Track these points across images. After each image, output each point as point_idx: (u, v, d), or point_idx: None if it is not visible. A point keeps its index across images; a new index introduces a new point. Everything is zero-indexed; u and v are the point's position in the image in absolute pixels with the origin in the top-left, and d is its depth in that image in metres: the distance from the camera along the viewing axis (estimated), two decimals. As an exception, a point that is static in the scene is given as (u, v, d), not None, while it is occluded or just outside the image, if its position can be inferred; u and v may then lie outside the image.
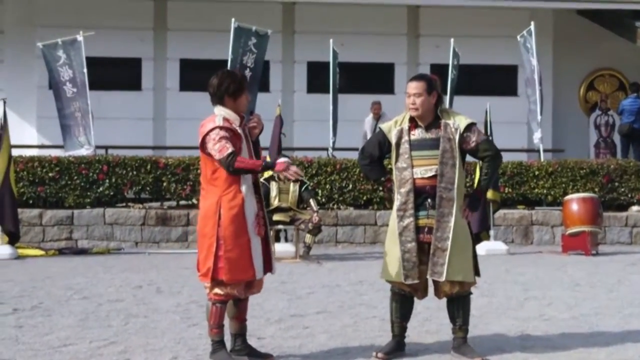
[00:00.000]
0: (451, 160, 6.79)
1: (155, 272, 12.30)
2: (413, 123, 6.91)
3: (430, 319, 8.36)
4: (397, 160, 6.89)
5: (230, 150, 6.37)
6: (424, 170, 6.81)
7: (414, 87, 6.87)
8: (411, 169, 6.82)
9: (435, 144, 6.81)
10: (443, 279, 6.73)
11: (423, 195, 6.80)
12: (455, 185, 6.78)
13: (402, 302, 6.98)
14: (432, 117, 6.89)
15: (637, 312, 8.94)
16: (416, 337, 7.54)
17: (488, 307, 9.19)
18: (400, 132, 6.91)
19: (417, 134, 6.89)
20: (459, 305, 6.91)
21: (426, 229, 6.80)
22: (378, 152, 7.03)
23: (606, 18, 21.48)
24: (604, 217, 15.81)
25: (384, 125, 7.08)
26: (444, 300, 6.99)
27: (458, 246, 6.75)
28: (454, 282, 6.79)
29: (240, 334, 6.78)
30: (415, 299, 7.05)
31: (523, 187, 17.33)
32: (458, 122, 6.84)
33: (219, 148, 6.40)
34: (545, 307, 9.28)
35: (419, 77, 7.02)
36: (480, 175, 7.06)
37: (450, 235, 6.73)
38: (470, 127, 6.85)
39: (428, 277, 6.83)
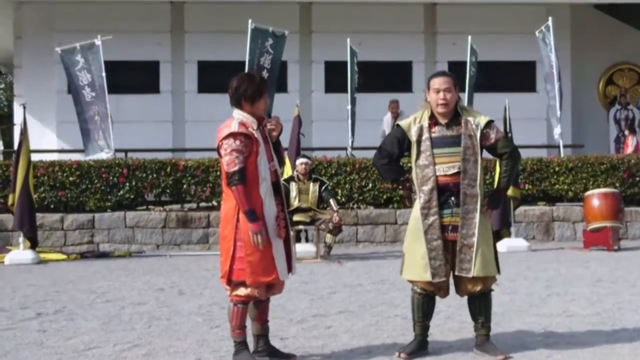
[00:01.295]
0: (473, 157, 6.77)
1: (177, 275, 12.33)
2: (433, 120, 6.87)
3: (452, 317, 8.34)
4: (417, 158, 6.84)
5: (237, 167, 6.38)
6: (446, 167, 6.78)
7: (444, 82, 6.81)
8: (433, 167, 6.78)
9: (457, 141, 6.78)
10: (471, 274, 6.71)
11: (446, 193, 6.77)
12: (478, 182, 6.77)
13: (424, 302, 6.94)
14: (452, 114, 6.86)
15: (661, 307, 8.90)
16: (439, 335, 7.52)
17: (510, 305, 9.17)
18: (421, 129, 6.86)
19: (438, 131, 6.84)
20: (480, 303, 6.89)
21: (450, 227, 6.77)
22: (397, 150, 6.95)
23: (623, 11, 21.39)
24: (625, 212, 15.74)
25: (403, 123, 7.00)
26: (465, 298, 6.98)
27: (484, 242, 6.75)
28: (477, 280, 6.77)
29: (262, 334, 6.79)
30: (437, 298, 7.03)
31: (543, 183, 17.28)
32: (478, 119, 6.83)
33: (227, 161, 6.43)
34: (567, 303, 9.25)
35: (444, 73, 6.98)
36: (500, 173, 7.02)
37: (477, 232, 6.72)
38: (489, 124, 6.85)
39: (456, 273, 6.79)
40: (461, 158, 6.75)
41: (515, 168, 7.06)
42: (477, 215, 6.73)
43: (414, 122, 6.91)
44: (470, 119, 6.83)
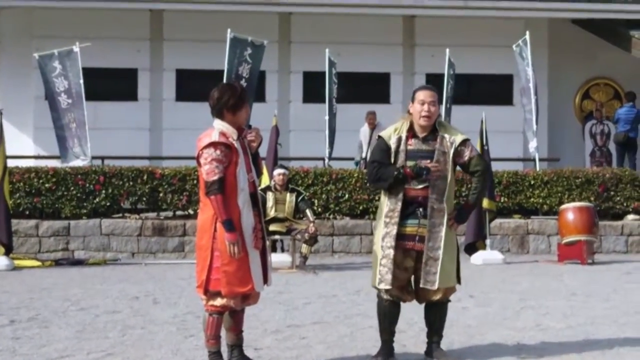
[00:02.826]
0: (443, 173, 6.90)
1: (152, 283, 12.31)
2: (410, 132, 6.97)
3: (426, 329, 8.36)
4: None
5: (216, 177, 6.42)
6: (415, 181, 6.89)
7: (430, 95, 6.95)
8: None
9: (430, 156, 6.90)
10: (436, 287, 6.89)
11: (414, 205, 6.90)
12: (446, 197, 6.91)
13: (389, 308, 7.07)
14: (430, 129, 6.97)
15: (633, 322, 8.96)
16: (412, 346, 7.56)
17: (484, 317, 9.22)
18: (399, 140, 6.99)
19: (414, 144, 6.98)
20: (438, 311, 7.10)
21: (417, 238, 6.90)
22: (387, 160, 7.02)
23: (601, 27, 21.53)
24: (599, 226, 15.83)
25: (384, 133, 7.13)
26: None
27: (448, 255, 6.92)
28: (438, 290, 6.94)
29: (237, 345, 6.80)
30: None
31: (519, 196, 17.36)
32: (454, 137, 6.96)
33: (207, 170, 6.46)
34: (541, 316, 9.31)
35: (430, 87, 7.12)
36: (471, 189, 7.15)
37: (442, 245, 6.87)
38: (465, 142, 6.98)
39: (421, 285, 6.93)
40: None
41: (486, 186, 7.19)
42: (444, 229, 6.88)
43: (394, 132, 7.05)
44: (447, 135, 6.97)
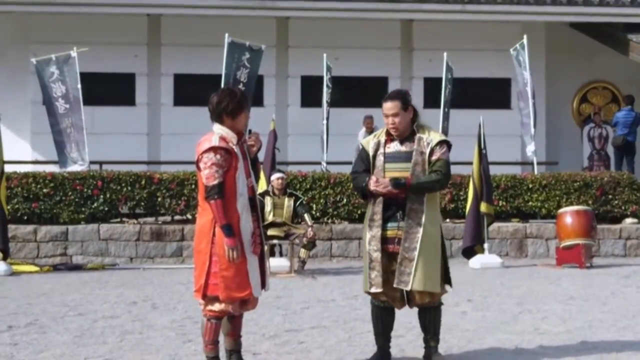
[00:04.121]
0: (422, 173, 6.90)
1: (150, 288, 12.30)
2: (390, 136, 7.04)
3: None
4: (372, 173, 7.01)
5: (216, 182, 6.41)
6: (392, 187, 6.87)
7: (390, 107, 6.96)
8: None
9: (409, 157, 6.95)
10: (408, 288, 6.84)
11: (394, 207, 6.92)
12: (425, 198, 6.88)
13: (382, 313, 7.08)
14: (408, 131, 7.01)
15: (631, 325, 8.96)
16: (411, 351, 7.55)
17: (482, 321, 9.21)
18: (377, 144, 7.05)
19: (393, 147, 7.03)
20: (430, 315, 7.04)
21: (396, 240, 6.91)
22: (367, 167, 7.06)
23: (598, 31, 21.55)
24: (597, 229, 15.83)
25: (364, 141, 7.24)
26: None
27: (425, 257, 6.85)
28: (423, 293, 6.90)
29: (235, 350, 6.79)
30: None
31: (517, 200, 17.36)
32: (431, 137, 6.97)
33: (207, 175, 6.45)
34: (539, 320, 9.30)
35: (393, 96, 7.03)
36: (424, 176, 6.87)
37: (418, 246, 6.84)
38: (441, 142, 6.96)
39: (395, 285, 6.92)
40: (410, 173, 6.89)
41: (435, 186, 6.95)
42: (421, 230, 6.85)
43: (373, 137, 7.14)
44: (424, 136, 6.98)
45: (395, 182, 6.84)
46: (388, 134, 7.04)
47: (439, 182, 6.94)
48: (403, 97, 7.00)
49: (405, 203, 6.88)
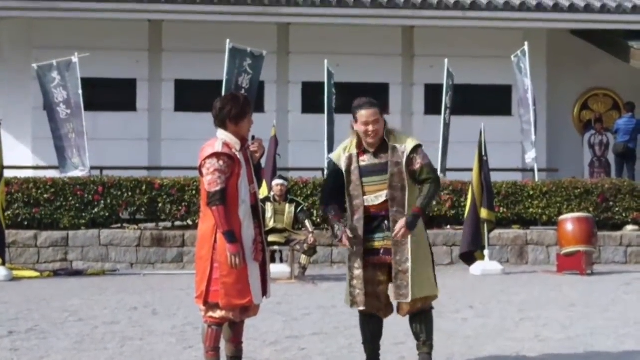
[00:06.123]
0: (400, 184, 6.79)
1: (151, 294, 12.29)
2: (361, 149, 6.87)
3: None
4: (348, 187, 6.88)
5: (218, 188, 6.41)
6: (374, 197, 6.82)
7: (371, 114, 6.76)
8: (362, 197, 6.83)
9: (385, 169, 6.81)
10: (409, 300, 6.78)
11: (379, 219, 6.83)
12: (406, 208, 6.77)
13: (369, 323, 7.00)
14: (380, 141, 6.86)
15: (632, 332, 8.95)
16: (413, 358, 7.52)
17: (483, 328, 9.20)
18: (350, 158, 6.88)
19: (367, 159, 6.87)
20: (421, 321, 6.94)
21: (382, 250, 6.83)
22: (339, 182, 6.91)
23: (600, 38, 21.55)
24: (598, 236, 15.83)
25: (333, 155, 7.04)
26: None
27: (418, 264, 6.79)
28: (415, 300, 6.82)
29: (236, 356, 6.78)
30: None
31: (518, 206, 17.36)
32: (405, 145, 6.82)
33: (209, 181, 6.45)
34: (540, 327, 9.29)
35: (370, 104, 6.84)
36: (422, 195, 6.80)
37: (410, 257, 6.77)
38: (416, 148, 6.84)
39: (395, 300, 6.86)
40: (388, 185, 6.78)
41: (437, 193, 6.99)
42: (409, 240, 6.75)
43: (344, 151, 6.95)
44: (398, 145, 6.82)
45: (411, 222, 6.67)
46: (359, 146, 6.86)
47: (437, 189, 6.88)
48: (378, 104, 6.86)
49: (388, 213, 6.77)
